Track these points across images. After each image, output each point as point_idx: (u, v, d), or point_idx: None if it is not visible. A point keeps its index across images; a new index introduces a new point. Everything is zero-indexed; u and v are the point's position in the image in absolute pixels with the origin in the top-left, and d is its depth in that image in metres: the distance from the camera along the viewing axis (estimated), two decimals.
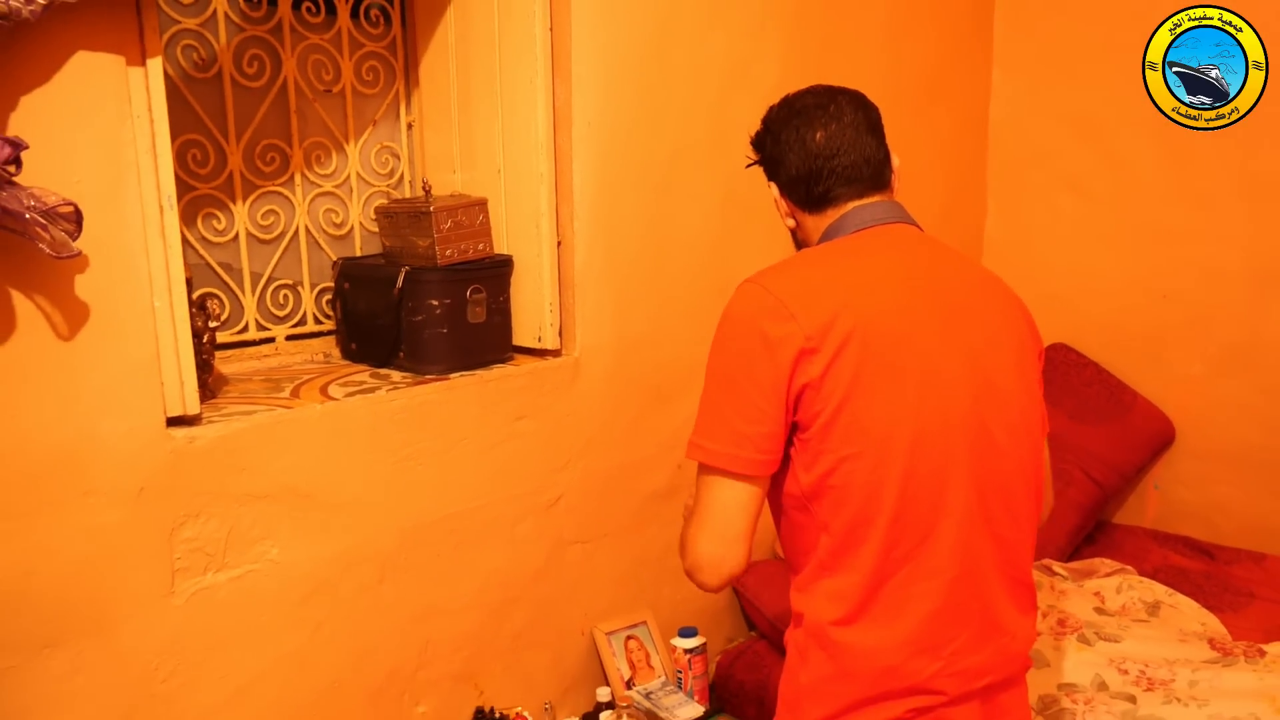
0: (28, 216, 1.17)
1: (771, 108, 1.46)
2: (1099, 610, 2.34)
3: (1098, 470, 2.88)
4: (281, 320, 1.95)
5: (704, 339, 2.23)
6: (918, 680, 1.25)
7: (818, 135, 1.39)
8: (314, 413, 1.62)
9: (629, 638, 2.22)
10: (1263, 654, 2.14)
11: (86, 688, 1.43)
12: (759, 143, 1.46)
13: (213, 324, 1.56)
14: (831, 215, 1.39)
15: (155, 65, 1.36)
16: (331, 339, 2.02)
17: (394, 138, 2.08)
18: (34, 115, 1.25)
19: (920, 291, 1.32)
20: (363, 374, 1.84)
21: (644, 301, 2.12)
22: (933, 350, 1.27)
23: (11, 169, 1.16)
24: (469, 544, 1.88)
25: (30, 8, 1.15)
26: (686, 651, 2.15)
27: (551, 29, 1.86)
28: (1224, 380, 2.89)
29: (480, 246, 1.88)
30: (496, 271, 1.90)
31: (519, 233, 1.94)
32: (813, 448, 1.23)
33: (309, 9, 1.89)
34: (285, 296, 1.95)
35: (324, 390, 1.71)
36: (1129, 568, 2.66)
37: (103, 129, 1.32)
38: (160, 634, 1.49)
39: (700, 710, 2.06)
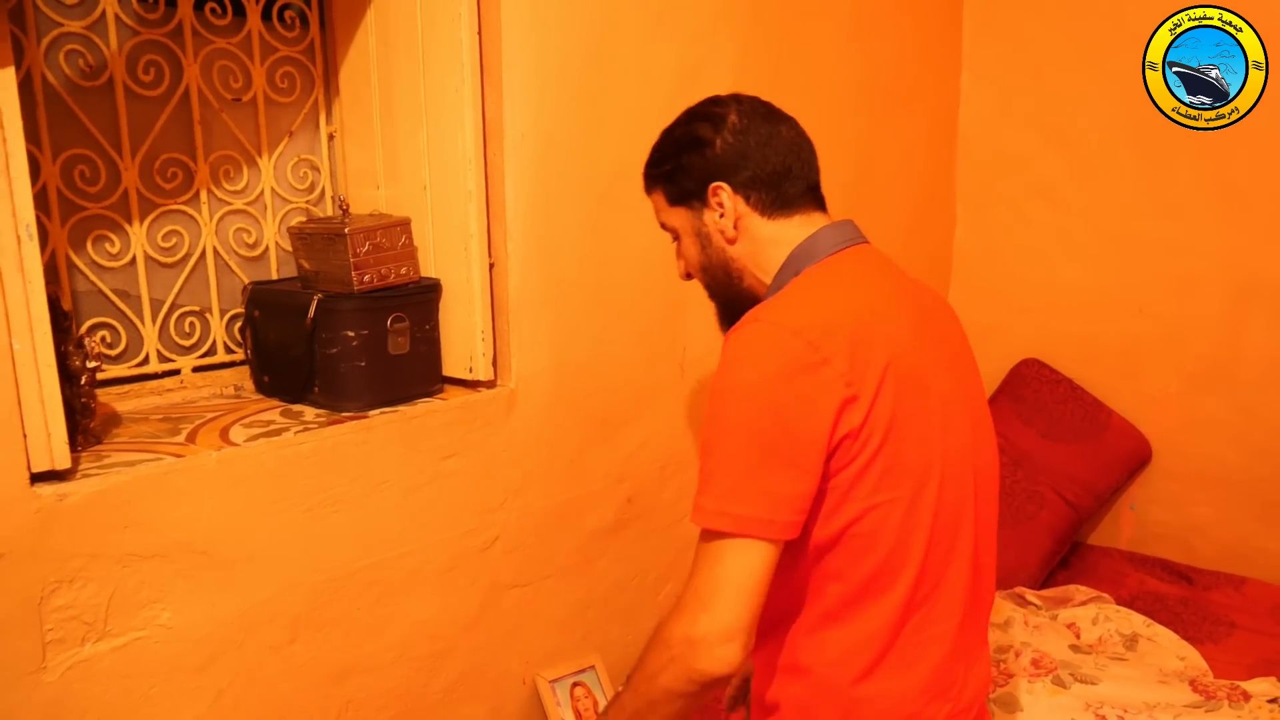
0: None
1: (715, 108, 1.32)
2: (1074, 648, 2.21)
3: (1071, 491, 2.77)
4: (188, 351, 1.78)
5: (652, 361, 2.11)
6: None
7: (784, 131, 1.28)
8: (210, 460, 1.46)
9: (575, 684, 2.07)
10: (1247, 697, 2.02)
11: None
12: (699, 143, 1.29)
13: (91, 364, 1.39)
14: (796, 226, 1.27)
15: (8, 76, 1.19)
16: (245, 369, 1.85)
17: (313, 150, 1.91)
18: None
19: (915, 319, 1.23)
20: (273, 411, 1.68)
21: (586, 325, 1.97)
22: (941, 381, 1.21)
23: None
24: (392, 595, 1.73)
25: None
26: None
27: (480, 32, 1.71)
28: (1202, 398, 2.78)
29: (403, 270, 1.72)
30: (422, 297, 1.74)
31: (447, 254, 1.78)
32: (836, 497, 1.14)
33: (213, 10, 1.72)
34: (192, 324, 1.78)
35: (224, 434, 1.54)
36: (1105, 595, 2.55)
37: None
38: (29, 715, 1.32)
39: None
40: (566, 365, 1.94)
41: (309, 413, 1.67)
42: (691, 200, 1.31)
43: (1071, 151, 2.87)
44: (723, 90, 1.39)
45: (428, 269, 1.79)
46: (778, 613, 1.21)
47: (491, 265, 1.79)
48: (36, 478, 1.29)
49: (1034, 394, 2.91)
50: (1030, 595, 2.53)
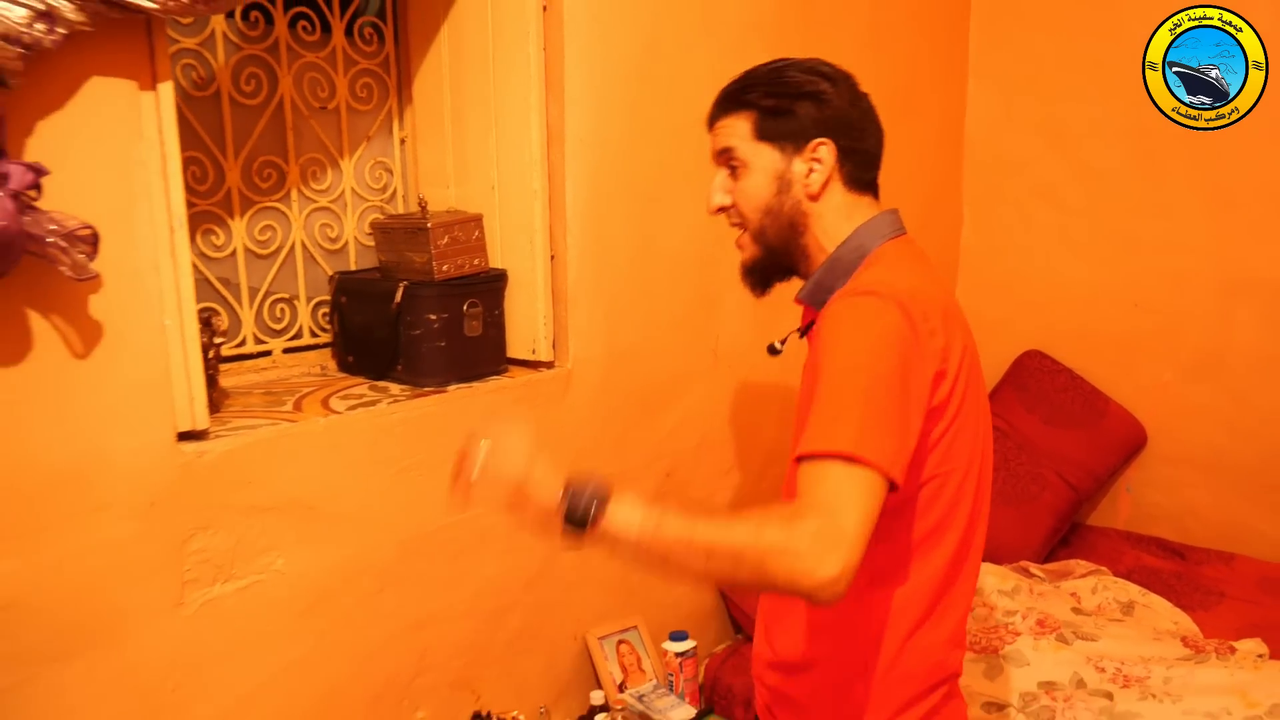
0: (49, 240, 1.21)
1: (835, 71, 1.35)
2: (1076, 610, 2.43)
3: (1072, 474, 2.98)
4: (278, 334, 2.00)
5: (689, 348, 2.33)
6: (954, 669, 1.35)
7: (878, 119, 1.38)
8: (317, 426, 1.67)
9: (620, 642, 2.28)
10: (1233, 651, 2.24)
11: (97, 699, 1.47)
12: (819, 95, 1.31)
13: (217, 339, 1.61)
14: (865, 206, 1.33)
15: (166, 89, 1.40)
16: (327, 352, 2.07)
17: (387, 153, 2.13)
18: (51, 140, 1.29)
19: (955, 307, 1.31)
20: (361, 387, 1.89)
21: (632, 313, 2.19)
22: (978, 369, 1.32)
23: (33, 194, 1.21)
24: (465, 553, 1.94)
25: (51, 37, 1.19)
26: (678, 655, 2.21)
27: (545, 48, 1.92)
28: (1194, 386, 2.99)
29: (476, 261, 1.93)
30: (491, 286, 1.96)
31: (513, 247, 2.00)
32: (912, 464, 1.16)
33: (304, 28, 1.93)
34: (282, 310, 1.99)
35: (325, 403, 1.76)
36: (1104, 569, 2.76)
37: (115, 152, 1.37)
38: (169, 645, 1.53)
39: (692, 712, 2.13)
40: (615, 350, 2.16)
41: (393, 388, 1.88)
42: (785, 143, 1.30)
43: (1071, 154, 3.09)
44: None
45: (495, 260, 2.01)
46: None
47: (553, 257, 2.01)
48: (181, 436, 1.50)
49: (1036, 383, 3.13)
50: (1034, 569, 2.74)
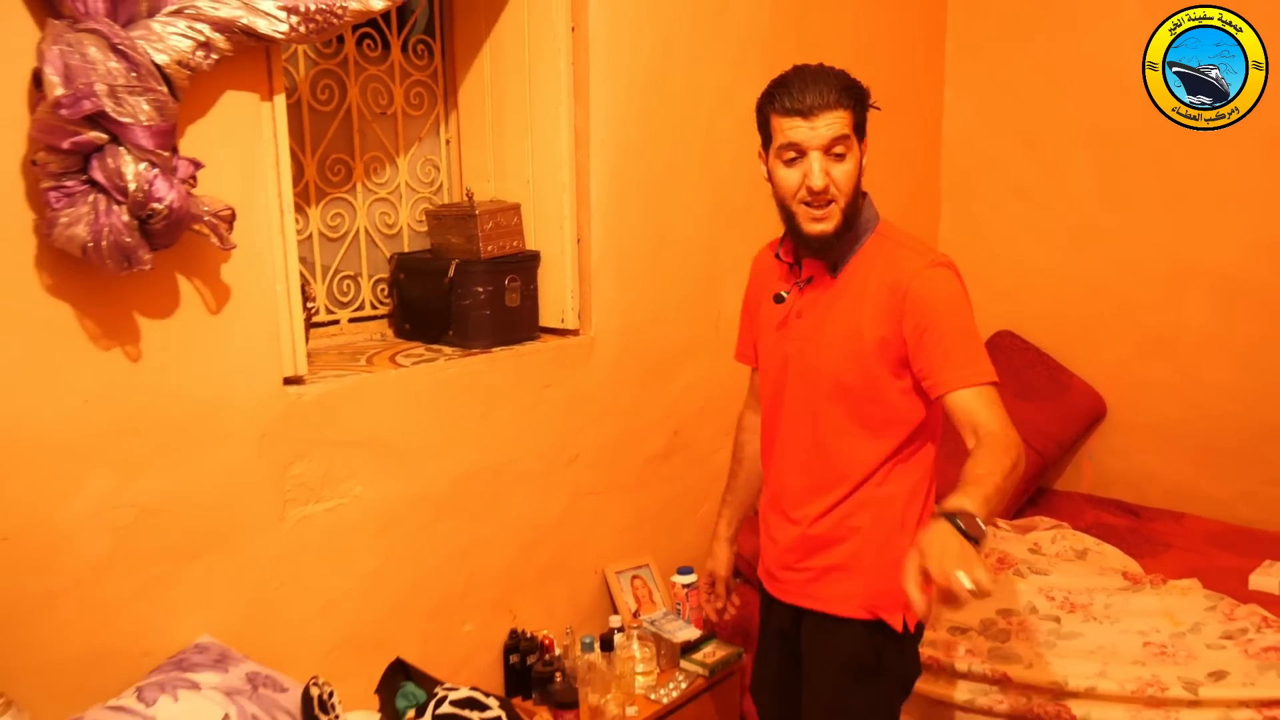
0: (206, 219, 1.59)
1: (852, 78, 1.72)
2: (1033, 552, 2.82)
3: (1038, 441, 3.35)
4: (344, 305, 2.37)
5: (693, 322, 2.72)
6: None
7: None
8: (389, 376, 2.06)
9: (634, 576, 2.66)
10: (1165, 582, 2.62)
11: (220, 593, 1.85)
12: (867, 104, 1.73)
13: (309, 304, 1.98)
14: None
15: (280, 101, 1.79)
16: (385, 321, 2.45)
17: (435, 152, 2.51)
18: (200, 140, 1.67)
19: None
20: (418, 349, 2.27)
21: (645, 291, 2.57)
22: None
23: (192, 182, 1.59)
24: (506, 491, 2.32)
25: (208, 61, 1.57)
26: (684, 586, 2.59)
27: (573, 63, 2.31)
28: (1149, 362, 3.38)
29: (515, 243, 2.31)
30: (528, 264, 2.35)
31: (545, 232, 2.38)
32: None
33: (368, 45, 2.31)
34: (348, 285, 2.37)
35: (392, 359, 2.14)
36: (1064, 524, 3.14)
37: (242, 150, 1.75)
38: (274, 551, 1.91)
39: (697, 633, 2.50)
40: (630, 321, 2.54)
41: (446, 350, 2.26)
42: (863, 138, 1.69)
43: (1038, 155, 3.48)
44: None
45: (531, 243, 2.39)
46: (862, 456, 1.73)
47: (579, 241, 2.39)
48: (286, 381, 1.88)
49: (1007, 360, 3.51)
50: (1002, 524, 3.13)
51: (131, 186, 1.47)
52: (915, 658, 1.85)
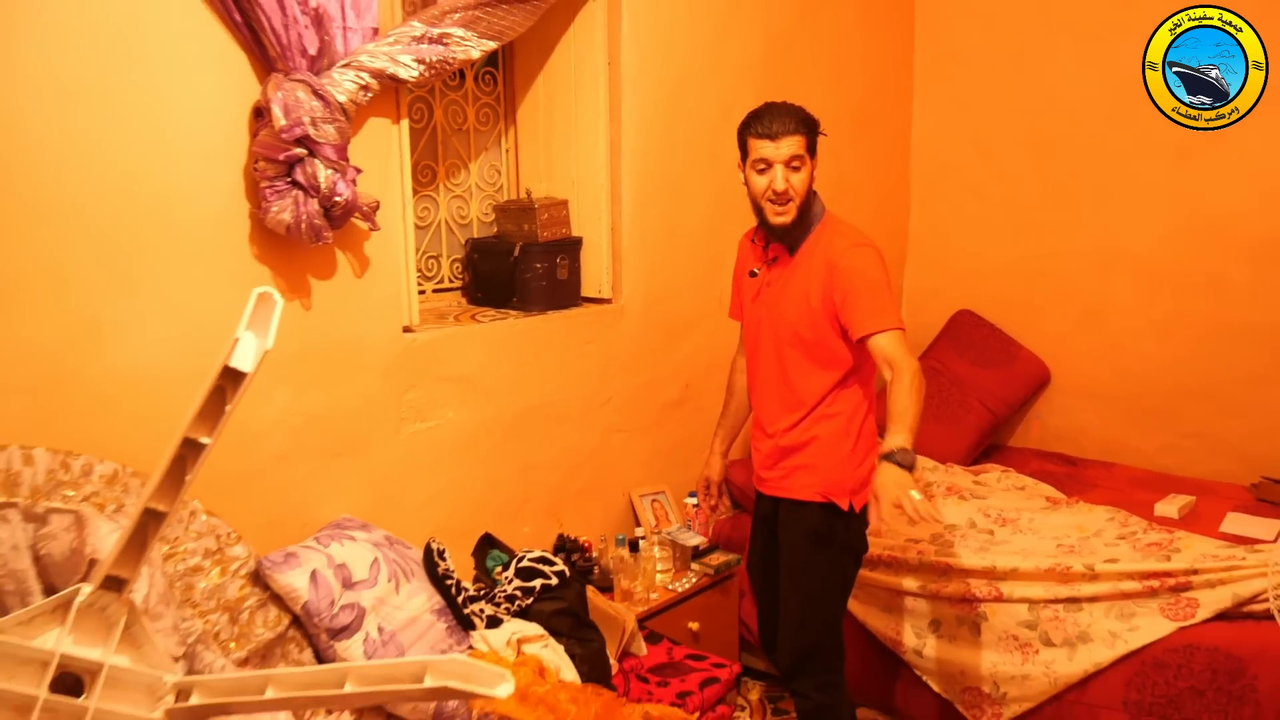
0: (364, 208, 2.34)
1: (807, 112, 2.38)
2: (976, 483, 3.58)
3: (992, 403, 4.11)
4: (428, 279, 3.13)
5: (700, 295, 3.49)
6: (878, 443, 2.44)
7: None
8: (474, 329, 2.82)
9: (654, 500, 3.42)
10: (1077, 503, 3.38)
11: (353, 484, 2.60)
12: (817, 131, 2.38)
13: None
14: None
15: (404, 124, 2.55)
16: (458, 293, 3.20)
17: (497, 159, 3.27)
18: (355, 152, 2.42)
19: None
20: (489, 312, 3.03)
21: (662, 269, 3.33)
22: None
23: (355, 183, 2.34)
24: (553, 424, 3.07)
25: (366, 97, 2.33)
26: (694, 507, 3.34)
27: (609, 90, 3.07)
28: (1085, 336, 4.13)
29: (563, 230, 3.07)
30: (573, 246, 3.11)
31: (587, 221, 3.15)
32: None
33: (449, 77, 3.07)
34: (431, 263, 3.13)
35: (473, 318, 2.90)
36: (1011, 469, 3.89)
37: (381, 159, 2.51)
38: (392, 456, 2.66)
39: (705, 541, 3.26)
40: (651, 293, 3.30)
41: (511, 313, 3.02)
42: (813, 155, 2.35)
43: (991, 160, 4.25)
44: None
45: (575, 230, 3.15)
46: (815, 386, 2.44)
47: (613, 229, 3.15)
48: (404, 329, 2.64)
49: (965, 334, 4.27)
50: (957, 468, 3.87)
51: (323, 186, 2.22)
52: (861, 535, 2.55)
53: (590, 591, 2.74)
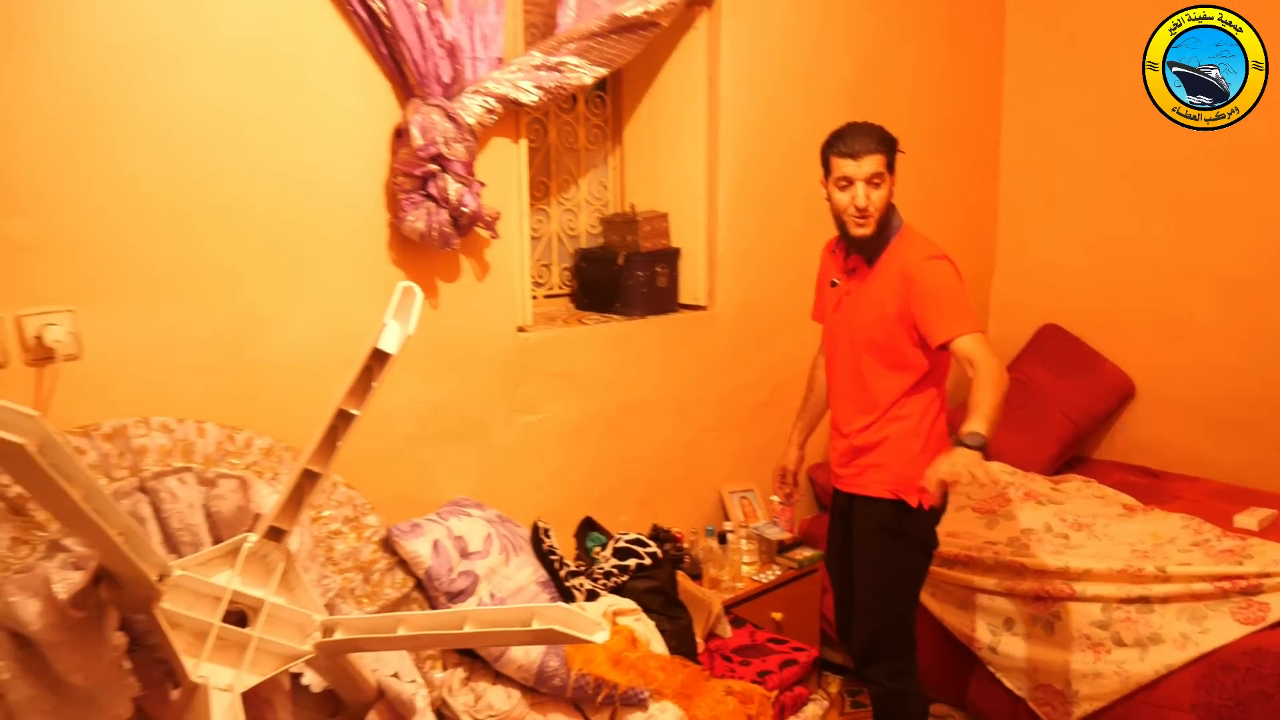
0: (486, 218, 2.56)
1: (887, 131, 2.49)
2: (1053, 490, 3.63)
3: (1075, 414, 4.15)
4: (540, 286, 3.34)
5: (788, 303, 3.63)
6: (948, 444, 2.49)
7: None
8: (581, 330, 3.03)
9: (742, 497, 3.57)
10: (1153, 510, 3.41)
11: (470, 467, 2.81)
12: (895, 149, 2.48)
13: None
14: None
15: (523, 143, 2.76)
16: (567, 299, 3.41)
17: (604, 177, 3.47)
18: (479, 168, 2.64)
19: None
20: (594, 316, 3.23)
21: (755, 279, 3.49)
22: None
23: (479, 195, 2.56)
24: (651, 419, 3.25)
25: (490, 119, 2.55)
26: (779, 504, 3.47)
27: (708, 112, 3.24)
28: (1168, 348, 4.14)
29: (664, 241, 3.26)
30: (673, 257, 3.29)
31: (685, 233, 3.33)
32: None
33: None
34: (543, 271, 3.34)
35: (580, 321, 3.10)
36: (1093, 480, 3.92)
37: (502, 175, 2.73)
38: (506, 443, 2.88)
39: (789, 536, 3.39)
40: (744, 301, 3.46)
41: (615, 317, 3.21)
42: (892, 172, 2.46)
43: (1078, 175, 4.28)
44: None
45: (675, 241, 3.33)
46: (889, 389, 2.55)
47: (709, 240, 3.32)
48: (519, 329, 2.85)
49: (1051, 347, 4.31)
50: (1037, 476, 3.92)
51: (452, 198, 2.45)
52: (930, 530, 2.64)
53: (680, 575, 2.91)
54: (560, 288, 3.41)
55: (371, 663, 1.98)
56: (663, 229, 3.27)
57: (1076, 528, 3.36)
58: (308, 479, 1.75)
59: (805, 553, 3.39)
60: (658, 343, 3.22)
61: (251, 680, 1.66)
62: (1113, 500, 3.63)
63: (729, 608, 3.07)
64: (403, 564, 2.40)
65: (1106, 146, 4.18)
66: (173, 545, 1.96)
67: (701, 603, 2.88)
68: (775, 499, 3.47)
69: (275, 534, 1.77)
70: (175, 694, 1.80)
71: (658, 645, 2.57)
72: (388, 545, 2.39)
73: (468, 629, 1.63)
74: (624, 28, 2.79)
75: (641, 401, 3.21)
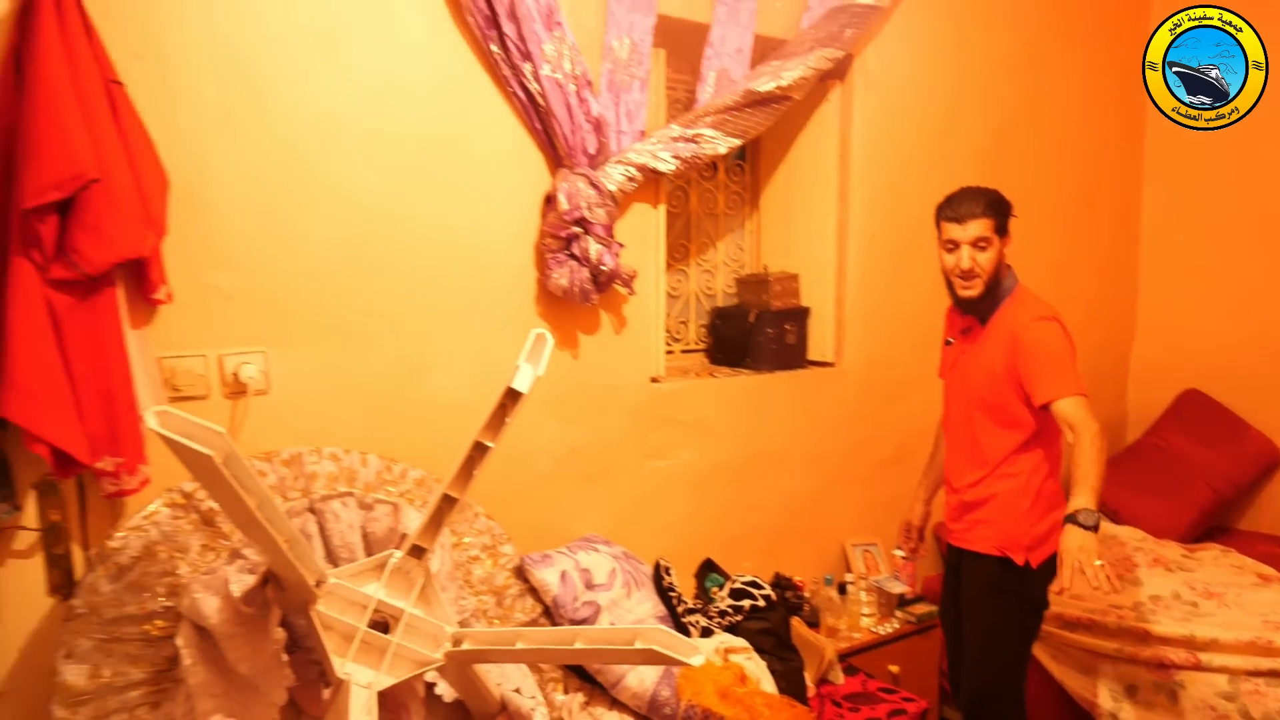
0: (624, 276, 2.73)
1: (998, 195, 2.51)
2: (1185, 557, 3.48)
3: (1217, 482, 3.97)
4: (677, 341, 3.48)
5: (914, 361, 3.65)
6: (1064, 505, 2.38)
7: None
8: (712, 383, 3.14)
9: (865, 550, 3.58)
10: None
11: (601, 506, 2.95)
12: (1007, 213, 2.50)
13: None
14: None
15: (662, 209, 2.92)
16: (702, 354, 3.53)
17: (741, 240, 3.60)
18: (619, 230, 2.81)
19: None
20: (726, 370, 3.34)
21: (883, 338, 3.53)
22: None
23: (618, 255, 2.73)
24: (776, 470, 3.32)
25: (630, 186, 2.72)
26: (903, 558, 3.46)
27: (839, 179, 3.33)
28: None
29: (793, 300, 3.35)
30: (802, 315, 3.38)
31: (814, 292, 3.41)
32: None
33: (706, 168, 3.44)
34: (680, 328, 3.48)
35: (711, 374, 3.22)
36: (1233, 550, 3.73)
37: (641, 237, 2.89)
38: (636, 487, 3.01)
39: (909, 589, 3.38)
40: (872, 358, 3.50)
41: (744, 371, 3.31)
42: (1004, 234, 2.47)
43: (1219, 239, 4.13)
44: None
45: (805, 300, 3.42)
46: (999, 446, 2.55)
47: (838, 300, 3.39)
48: (652, 379, 2.99)
49: (1192, 412, 4.14)
50: (1171, 542, 3.75)
51: (593, 257, 2.63)
52: (1039, 589, 2.57)
53: (795, 621, 2.96)
54: (696, 344, 3.54)
55: (496, 677, 2.13)
56: (793, 289, 3.36)
57: (1206, 596, 3.22)
58: (447, 503, 1.92)
59: (926, 608, 3.37)
60: (785, 396, 3.31)
61: (388, 681, 1.83)
62: (1249, 570, 3.45)
63: (844, 656, 3.08)
64: (533, 591, 2.55)
65: (1250, 209, 4.03)
66: (333, 560, 2.17)
67: (814, 648, 2.91)
68: (899, 553, 3.46)
69: (417, 552, 1.95)
70: (327, 693, 2.00)
71: (767, 684, 2.62)
72: (520, 573, 2.55)
73: (578, 645, 1.76)
74: (757, 102, 2.93)
75: (768, 453, 3.29)
